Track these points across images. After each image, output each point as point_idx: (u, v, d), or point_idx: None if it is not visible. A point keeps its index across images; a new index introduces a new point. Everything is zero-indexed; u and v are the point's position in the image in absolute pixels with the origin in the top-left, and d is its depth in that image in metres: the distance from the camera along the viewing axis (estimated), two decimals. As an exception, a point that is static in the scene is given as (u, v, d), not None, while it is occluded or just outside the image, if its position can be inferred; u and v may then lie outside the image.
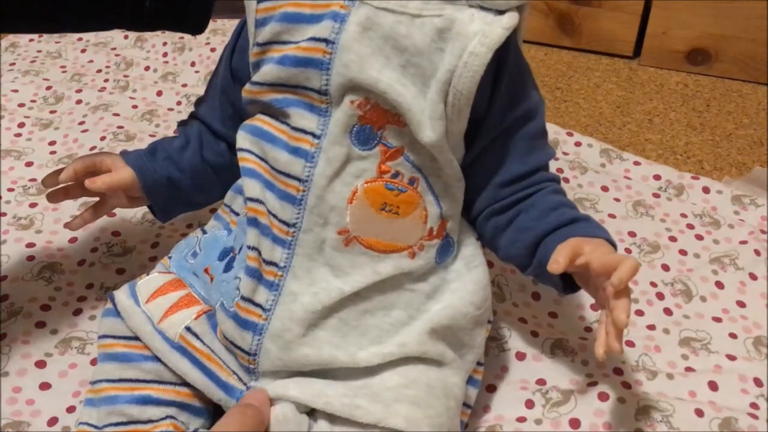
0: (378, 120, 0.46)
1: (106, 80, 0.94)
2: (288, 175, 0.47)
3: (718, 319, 0.63)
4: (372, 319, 0.48)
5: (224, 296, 0.49)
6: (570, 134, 0.84)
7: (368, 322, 0.48)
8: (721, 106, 0.96)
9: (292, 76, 0.47)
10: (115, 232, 0.69)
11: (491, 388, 0.56)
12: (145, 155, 0.57)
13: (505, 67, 0.48)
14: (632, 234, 0.71)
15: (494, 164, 0.50)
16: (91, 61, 0.99)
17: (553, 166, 0.76)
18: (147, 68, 0.96)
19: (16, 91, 0.91)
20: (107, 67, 0.98)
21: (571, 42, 1.07)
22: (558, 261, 0.44)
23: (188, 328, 0.50)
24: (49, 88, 0.91)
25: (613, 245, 0.48)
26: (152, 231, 0.70)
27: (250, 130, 0.50)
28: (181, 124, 0.60)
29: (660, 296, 0.65)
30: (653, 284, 0.66)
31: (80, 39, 1.05)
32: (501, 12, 0.45)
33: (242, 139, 0.50)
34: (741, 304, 0.64)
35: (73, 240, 0.68)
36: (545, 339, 0.60)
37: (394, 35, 0.45)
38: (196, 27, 0.53)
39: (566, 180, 0.78)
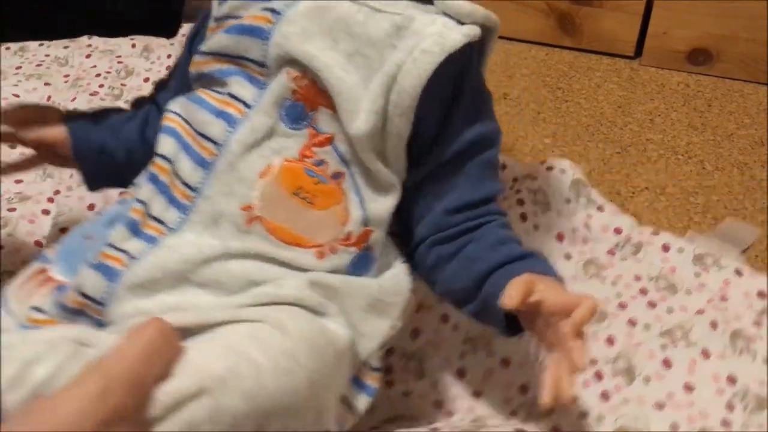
0: (312, 100, 0.44)
1: (101, 86, 0.94)
2: (205, 137, 0.45)
3: (660, 405, 0.55)
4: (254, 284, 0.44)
5: (90, 252, 0.46)
6: (542, 162, 0.73)
7: (250, 286, 0.44)
8: (722, 106, 0.96)
9: (233, 44, 0.46)
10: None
11: (477, 394, 0.56)
12: (88, 118, 0.55)
13: (466, 86, 0.47)
14: None
15: (444, 189, 0.48)
16: (95, 66, 1.00)
17: (514, 197, 0.71)
18: (146, 79, 0.97)
19: (17, 96, 0.92)
20: (108, 72, 0.98)
21: (572, 42, 1.07)
22: (512, 296, 0.41)
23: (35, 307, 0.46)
24: (49, 98, 0.92)
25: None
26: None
27: (185, 97, 0.49)
28: (136, 101, 0.58)
29: (599, 376, 0.57)
30: (593, 362, 0.58)
31: (89, 45, 1.06)
32: (463, 24, 0.45)
33: (173, 103, 0.49)
34: (688, 388, 0.55)
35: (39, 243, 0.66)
36: (530, 338, 0.57)
37: (349, 20, 0.44)
38: (169, 31, 0.51)
39: (524, 217, 0.69)
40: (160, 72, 0.99)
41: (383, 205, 0.46)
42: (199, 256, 0.43)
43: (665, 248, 0.67)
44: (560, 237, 0.69)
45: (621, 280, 0.65)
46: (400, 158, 0.46)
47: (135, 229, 0.45)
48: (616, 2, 1.01)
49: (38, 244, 0.66)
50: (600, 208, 0.71)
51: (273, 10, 0.45)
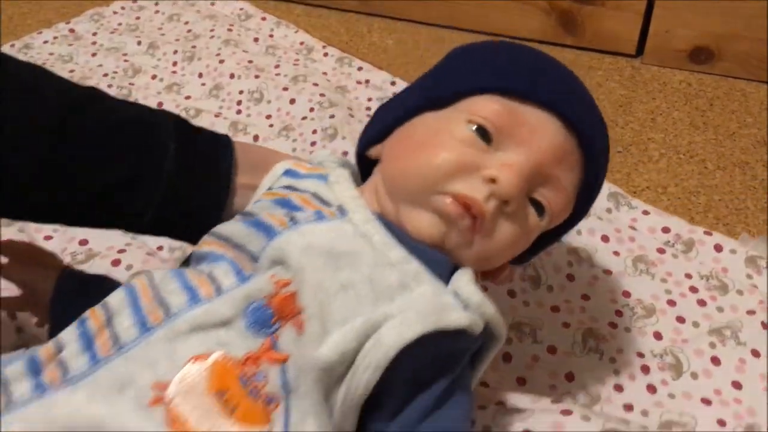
0: (283, 312, 0.40)
1: (110, 86, 0.95)
2: (161, 303, 0.41)
3: (707, 401, 0.56)
4: None
5: None
6: None
7: None
8: (724, 104, 0.96)
9: (242, 233, 0.44)
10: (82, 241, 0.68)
11: (521, 381, 0.58)
12: (81, 285, 0.52)
13: (444, 377, 0.42)
14: (626, 294, 0.65)
15: None
16: (101, 65, 1.01)
17: None
18: (154, 77, 0.98)
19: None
20: (115, 72, 0.99)
21: (574, 41, 1.07)
22: None
23: None
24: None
25: None
26: (122, 239, 0.68)
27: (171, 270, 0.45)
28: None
29: (645, 369, 0.58)
30: (640, 354, 0.59)
31: (94, 43, 1.07)
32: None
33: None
34: (737, 385, 0.56)
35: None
36: (576, 329, 0.60)
37: (359, 259, 0.41)
38: (193, 239, 0.50)
39: None
40: (166, 69, 1.00)
41: None
42: (73, 423, 0.36)
43: (717, 248, 0.69)
44: (605, 239, 0.70)
45: (671, 277, 0.66)
46: (349, 416, 0.40)
47: (33, 370, 0.39)
48: (617, 1, 1.01)
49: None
50: (645, 212, 0.74)
51: (293, 219, 0.43)
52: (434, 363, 0.42)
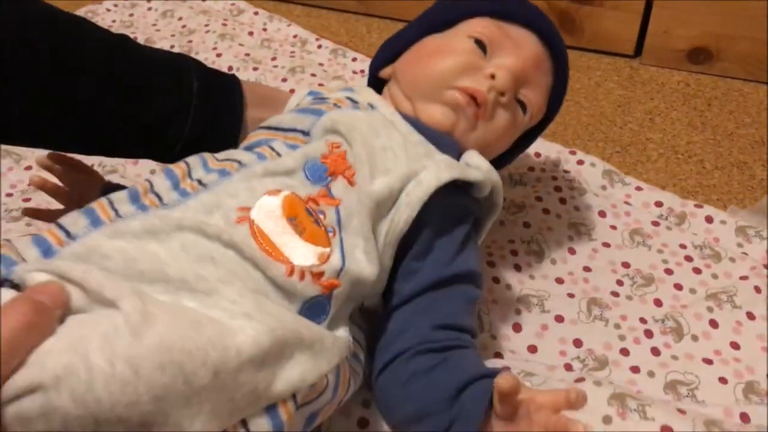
0: (336, 167, 0.49)
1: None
2: (230, 159, 0.49)
3: (708, 361, 0.59)
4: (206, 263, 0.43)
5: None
6: (573, 152, 0.82)
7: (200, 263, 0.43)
8: (722, 105, 0.96)
9: (291, 119, 0.54)
10: None
11: (532, 348, 0.61)
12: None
13: (462, 223, 0.53)
14: (626, 265, 0.68)
15: (430, 308, 0.50)
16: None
17: (552, 184, 0.78)
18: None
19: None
20: (113, 67, 0.99)
21: (572, 41, 1.07)
22: (507, 378, 0.41)
23: None
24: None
25: None
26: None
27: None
28: None
29: (648, 334, 0.62)
30: (643, 320, 0.63)
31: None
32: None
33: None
34: (735, 345, 0.60)
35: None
36: (581, 299, 0.64)
37: (395, 129, 0.53)
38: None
39: (563, 201, 0.75)
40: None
41: (361, 268, 0.47)
42: (177, 221, 0.43)
43: (708, 220, 0.73)
44: (602, 214, 0.74)
45: (667, 248, 0.70)
46: (388, 250, 0.50)
47: (134, 197, 0.46)
48: (616, 1, 1.01)
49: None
50: (638, 188, 0.78)
51: (337, 106, 0.54)
52: (454, 212, 0.53)
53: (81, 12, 1.13)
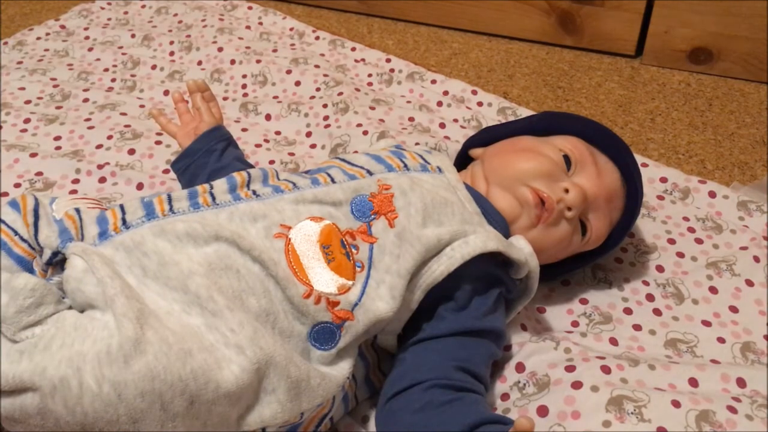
0: (381, 207, 0.53)
1: (114, 80, 0.95)
2: (289, 181, 0.54)
3: (707, 323, 0.62)
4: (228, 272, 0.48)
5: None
6: None
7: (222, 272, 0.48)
8: (723, 105, 0.96)
9: (362, 160, 0.57)
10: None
11: (541, 309, 0.64)
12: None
13: (495, 288, 0.55)
14: (630, 234, 0.70)
15: (456, 350, 0.52)
16: (99, 59, 1.00)
17: None
18: (154, 67, 0.97)
19: (23, 89, 0.92)
20: (114, 66, 0.98)
21: (573, 41, 1.07)
22: (525, 423, 0.43)
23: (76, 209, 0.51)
24: (56, 86, 0.92)
25: None
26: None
27: None
28: None
29: (650, 297, 0.65)
30: (645, 283, 0.66)
31: (87, 38, 1.06)
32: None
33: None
34: (733, 309, 0.63)
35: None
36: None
37: (443, 199, 0.55)
38: None
39: None
40: (164, 59, 1.00)
41: (378, 306, 0.50)
42: (217, 229, 0.48)
43: (711, 195, 0.76)
44: None
45: (670, 219, 0.73)
46: (418, 293, 0.52)
47: (192, 195, 0.51)
48: (617, 1, 1.02)
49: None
50: (644, 164, 0.79)
51: (406, 166, 0.57)
52: (489, 278, 0.55)
53: (75, 11, 1.13)
